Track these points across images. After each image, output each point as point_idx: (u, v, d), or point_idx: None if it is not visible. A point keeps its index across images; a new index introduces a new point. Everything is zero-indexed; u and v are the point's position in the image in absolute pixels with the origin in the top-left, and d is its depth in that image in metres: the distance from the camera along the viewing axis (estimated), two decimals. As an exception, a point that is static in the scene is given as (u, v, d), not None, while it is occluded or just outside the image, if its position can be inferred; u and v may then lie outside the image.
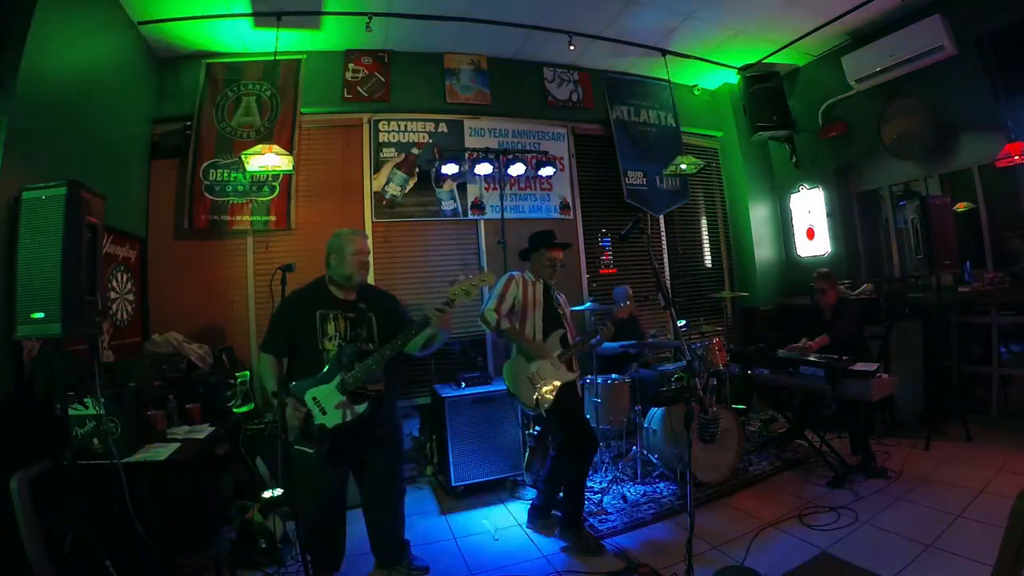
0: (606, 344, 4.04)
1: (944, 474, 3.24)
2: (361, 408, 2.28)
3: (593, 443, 2.94)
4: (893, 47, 4.38)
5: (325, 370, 2.28)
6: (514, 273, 3.01)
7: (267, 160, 3.74)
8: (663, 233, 5.59)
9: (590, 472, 3.67)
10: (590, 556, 2.68)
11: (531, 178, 4.92)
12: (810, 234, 5.60)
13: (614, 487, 3.43)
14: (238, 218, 4.14)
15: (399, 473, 2.68)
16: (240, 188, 4.16)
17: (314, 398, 2.26)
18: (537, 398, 2.77)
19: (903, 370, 4.04)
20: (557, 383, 2.83)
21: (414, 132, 4.69)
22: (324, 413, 2.26)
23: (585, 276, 5.13)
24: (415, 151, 4.66)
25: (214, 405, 3.16)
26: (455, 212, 4.73)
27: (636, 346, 3.99)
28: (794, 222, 5.74)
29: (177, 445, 2.53)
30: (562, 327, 2.97)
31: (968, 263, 4.20)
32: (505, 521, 3.20)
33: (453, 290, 2.33)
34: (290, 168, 3.91)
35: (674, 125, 5.58)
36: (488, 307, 2.88)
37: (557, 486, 2.99)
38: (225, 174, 4.15)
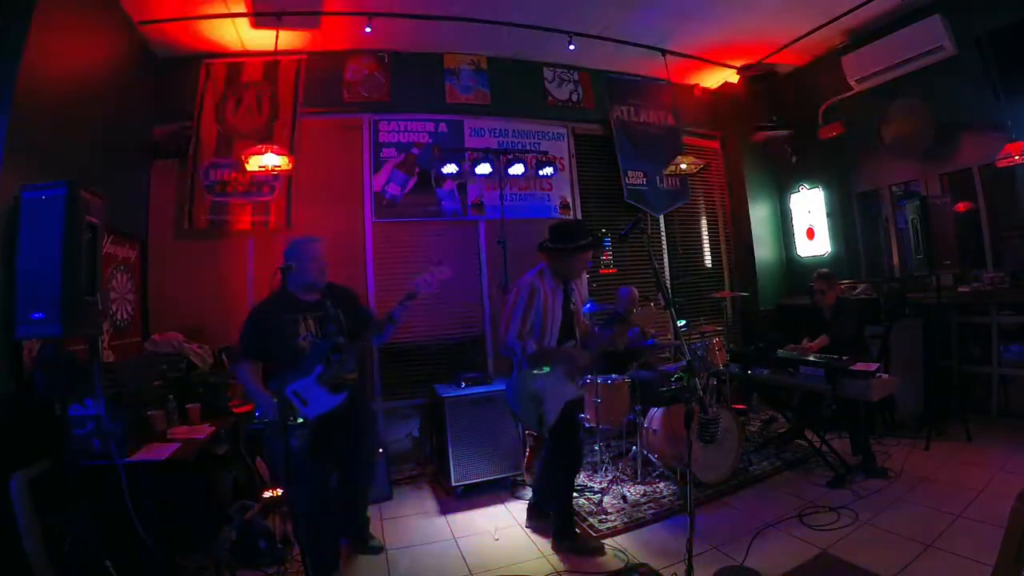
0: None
1: (944, 474, 3.24)
2: (340, 397, 2.46)
3: (579, 460, 2.91)
4: (893, 47, 4.38)
5: (303, 366, 2.45)
6: (534, 281, 2.69)
7: (267, 160, 3.73)
8: (663, 233, 5.58)
9: (589, 472, 3.70)
10: (588, 556, 2.68)
11: (531, 178, 4.92)
12: (810, 234, 5.60)
13: (614, 487, 3.43)
14: (238, 218, 4.14)
15: (374, 459, 3.00)
16: (240, 188, 4.16)
17: (295, 392, 2.41)
18: (540, 417, 2.62)
19: (903, 370, 4.03)
20: (561, 402, 2.68)
21: (414, 132, 4.69)
22: (306, 404, 2.41)
23: (585, 276, 5.12)
24: (415, 151, 4.66)
25: (214, 405, 3.16)
26: (455, 212, 4.73)
27: (636, 345, 3.99)
28: (794, 222, 5.74)
29: (177, 445, 2.53)
30: (574, 337, 2.79)
31: (984, 272, 4.21)
32: (505, 521, 3.20)
33: (417, 283, 2.60)
34: (290, 168, 3.91)
35: (674, 125, 5.58)
36: (512, 334, 2.63)
37: (549, 486, 2.98)
38: (225, 174, 4.15)
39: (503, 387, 3.62)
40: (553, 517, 2.87)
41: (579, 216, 5.15)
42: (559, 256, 2.71)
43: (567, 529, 2.81)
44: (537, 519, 3.06)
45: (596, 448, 3.76)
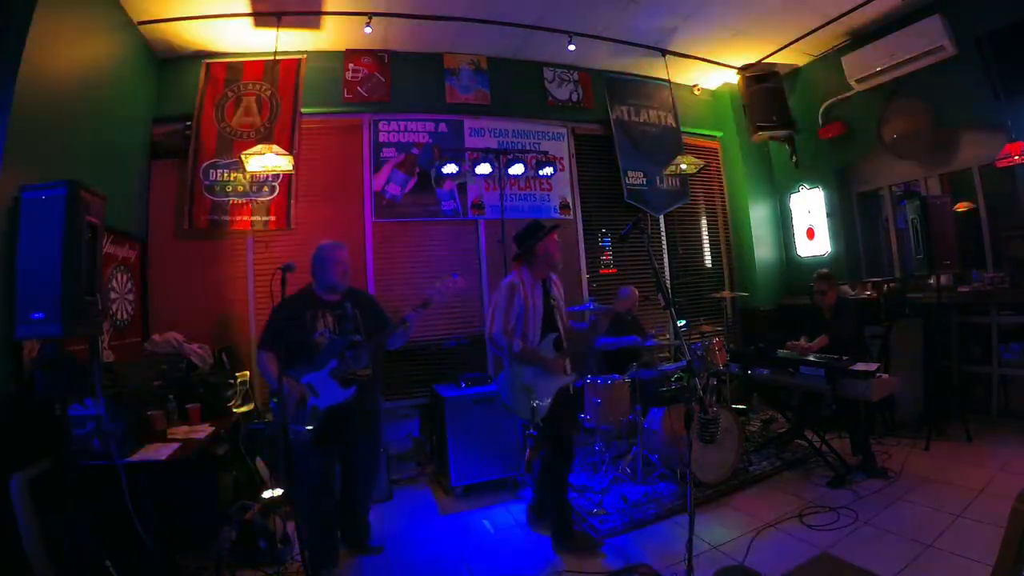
0: (606, 339, 4.02)
1: (944, 474, 3.24)
2: (350, 391, 2.57)
3: (571, 457, 2.94)
4: (893, 47, 4.38)
5: (319, 359, 2.58)
6: (513, 280, 2.86)
7: (267, 160, 3.74)
8: (663, 233, 5.59)
9: (589, 472, 3.70)
10: (588, 555, 2.69)
11: (531, 178, 4.92)
12: (810, 234, 5.60)
13: (614, 487, 3.43)
14: (238, 218, 4.14)
15: (378, 460, 3.05)
16: (240, 188, 4.16)
17: (309, 383, 2.53)
18: (533, 408, 2.71)
19: (903, 370, 4.03)
20: (553, 389, 2.77)
21: (414, 132, 4.69)
22: (318, 396, 2.54)
23: (585, 276, 5.13)
24: (415, 151, 4.66)
25: (214, 405, 3.16)
26: (455, 212, 4.73)
27: (635, 341, 3.99)
28: (794, 222, 5.74)
29: (177, 445, 2.53)
30: (556, 329, 2.89)
31: (984, 272, 4.20)
32: (505, 521, 3.20)
33: (430, 292, 2.75)
34: (290, 168, 3.91)
35: (674, 125, 5.58)
36: (498, 329, 2.78)
37: (546, 487, 3.00)
38: (225, 174, 4.15)
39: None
40: (551, 516, 2.88)
41: (579, 216, 5.16)
42: (529, 255, 2.89)
43: (565, 528, 2.82)
44: (537, 519, 3.07)
45: (596, 448, 3.76)
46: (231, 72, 4.30)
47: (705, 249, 5.90)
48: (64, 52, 2.90)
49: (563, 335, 2.92)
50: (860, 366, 3.21)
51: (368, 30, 4.13)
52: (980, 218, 4.32)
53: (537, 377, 2.76)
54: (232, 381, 3.45)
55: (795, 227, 5.73)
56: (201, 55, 4.26)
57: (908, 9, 4.36)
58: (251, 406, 3.52)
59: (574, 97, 5.25)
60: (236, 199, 4.15)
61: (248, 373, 3.71)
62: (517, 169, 4.59)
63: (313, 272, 2.75)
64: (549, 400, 2.75)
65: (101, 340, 3.12)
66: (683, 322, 4.70)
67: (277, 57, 4.16)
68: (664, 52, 5.03)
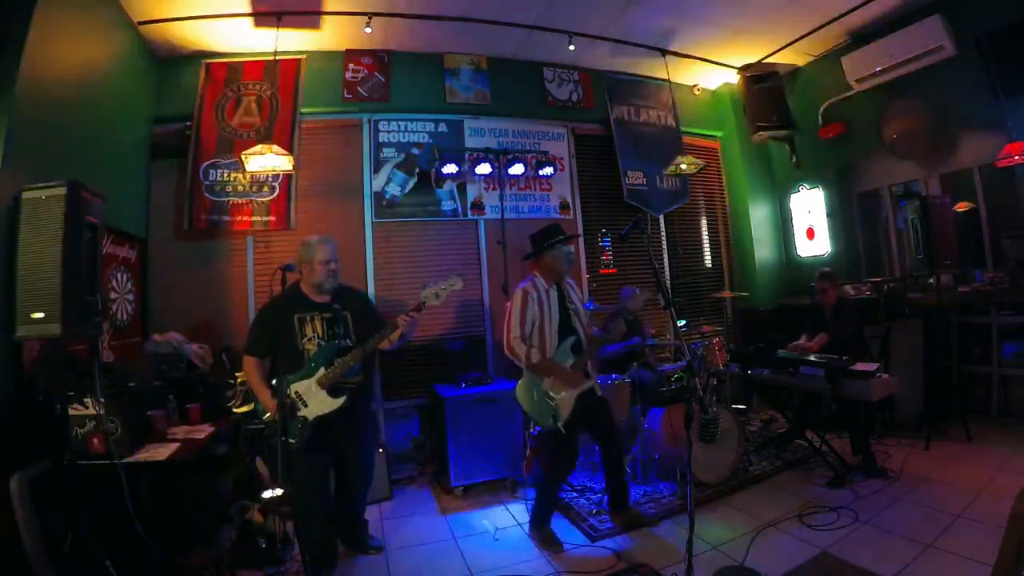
0: (609, 347, 4.04)
1: (944, 474, 3.24)
2: (339, 400, 2.46)
3: (619, 443, 3.01)
4: (893, 47, 4.38)
5: (306, 367, 2.47)
6: (526, 287, 2.85)
7: (267, 160, 3.74)
8: (663, 233, 5.59)
9: (589, 472, 3.70)
10: (551, 550, 2.76)
11: (531, 178, 4.92)
12: (810, 234, 5.60)
13: (614, 487, 3.43)
14: (238, 218, 4.14)
15: (372, 463, 2.92)
16: (240, 188, 4.16)
17: (296, 392, 2.43)
18: (554, 414, 2.72)
19: (903, 370, 4.03)
20: (574, 394, 2.77)
21: (414, 132, 4.69)
22: (306, 406, 2.44)
23: (585, 276, 5.12)
24: (415, 151, 4.66)
25: (214, 405, 3.16)
26: (455, 212, 4.73)
27: (638, 345, 3.99)
28: (794, 222, 5.74)
29: (177, 445, 2.53)
30: (574, 333, 2.87)
31: (984, 272, 4.20)
32: (505, 521, 3.20)
33: (425, 294, 2.56)
34: (290, 168, 3.91)
35: (674, 125, 5.58)
36: (514, 336, 2.76)
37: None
38: (225, 174, 4.15)
39: (503, 387, 3.65)
40: (532, 504, 2.95)
41: (579, 216, 5.15)
42: (540, 258, 2.89)
43: (539, 517, 2.91)
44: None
45: (596, 448, 3.75)
46: (231, 72, 4.30)
47: (705, 249, 5.90)
48: (64, 52, 2.90)
49: (583, 339, 2.88)
50: (860, 366, 3.21)
51: (368, 30, 4.13)
52: (980, 218, 4.32)
53: (557, 383, 2.76)
54: (232, 381, 3.45)
55: (795, 227, 5.73)
56: (201, 55, 4.26)
57: (908, 9, 4.36)
58: (251, 406, 3.51)
59: (574, 97, 5.25)
60: (236, 199, 4.15)
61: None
62: (517, 169, 4.60)
63: (300, 270, 2.59)
64: (570, 406, 2.75)
65: (101, 340, 3.12)
66: (683, 322, 4.69)
67: (277, 57, 4.16)
68: (664, 52, 5.03)
